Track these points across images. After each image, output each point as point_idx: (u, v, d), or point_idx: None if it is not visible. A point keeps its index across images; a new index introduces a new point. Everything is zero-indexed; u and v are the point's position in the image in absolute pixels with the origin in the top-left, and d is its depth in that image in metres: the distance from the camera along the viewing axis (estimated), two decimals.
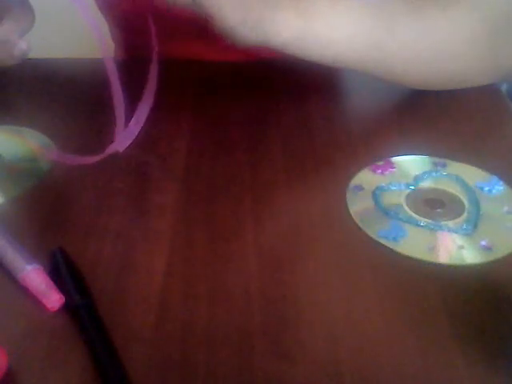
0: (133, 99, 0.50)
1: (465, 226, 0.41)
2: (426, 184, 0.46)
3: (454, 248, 0.40)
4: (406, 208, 0.43)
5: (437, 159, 0.48)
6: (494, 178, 0.46)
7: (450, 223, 0.42)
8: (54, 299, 0.35)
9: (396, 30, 0.50)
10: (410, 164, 0.48)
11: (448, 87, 0.56)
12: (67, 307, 0.35)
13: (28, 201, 0.45)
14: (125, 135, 0.47)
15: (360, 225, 0.42)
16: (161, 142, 0.52)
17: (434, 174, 0.47)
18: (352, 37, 0.50)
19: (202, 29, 0.47)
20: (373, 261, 0.39)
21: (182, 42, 0.64)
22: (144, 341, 0.34)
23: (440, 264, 0.39)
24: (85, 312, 0.35)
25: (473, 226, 0.41)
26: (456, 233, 0.41)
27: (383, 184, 0.46)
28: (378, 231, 0.41)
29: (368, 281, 0.37)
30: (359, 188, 0.45)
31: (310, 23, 0.48)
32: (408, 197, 0.44)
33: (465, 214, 0.43)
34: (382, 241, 0.40)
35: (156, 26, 0.48)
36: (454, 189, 0.45)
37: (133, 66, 0.60)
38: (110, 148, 0.45)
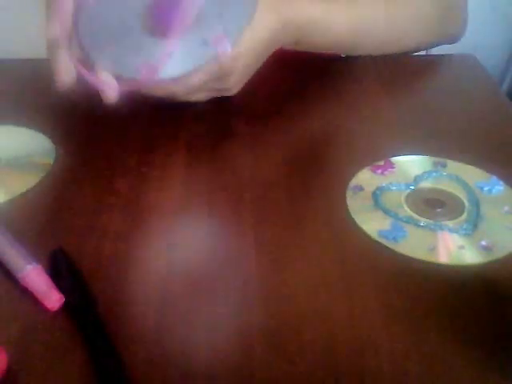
0: None
1: (465, 226, 0.41)
2: (426, 184, 0.46)
3: (454, 248, 0.40)
4: (406, 208, 0.43)
5: (437, 159, 0.48)
6: (494, 178, 0.46)
7: (450, 223, 0.42)
8: (54, 299, 0.35)
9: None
10: (410, 164, 0.48)
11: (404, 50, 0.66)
12: (67, 307, 0.35)
13: (28, 201, 0.45)
14: None
15: (360, 225, 0.42)
16: (161, 142, 0.52)
17: (434, 173, 0.47)
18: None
19: None
20: (373, 261, 0.39)
21: None
22: (144, 341, 0.34)
23: (440, 264, 0.39)
24: (85, 312, 0.35)
25: (473, 226, 0.41)
26: (456, 233, 0.41)
27: (383, 184, 0.46)
28: (378, 231, 0.41)
29: (368, 281, 0.37)
30: (359, 188, 0.45)
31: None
32: (408, 197, 0.44)
33: (465, 214, 0.43)
34: (382, 241, 0.40)
35: None
36: (454, 189, 0.45)
37: None
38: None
